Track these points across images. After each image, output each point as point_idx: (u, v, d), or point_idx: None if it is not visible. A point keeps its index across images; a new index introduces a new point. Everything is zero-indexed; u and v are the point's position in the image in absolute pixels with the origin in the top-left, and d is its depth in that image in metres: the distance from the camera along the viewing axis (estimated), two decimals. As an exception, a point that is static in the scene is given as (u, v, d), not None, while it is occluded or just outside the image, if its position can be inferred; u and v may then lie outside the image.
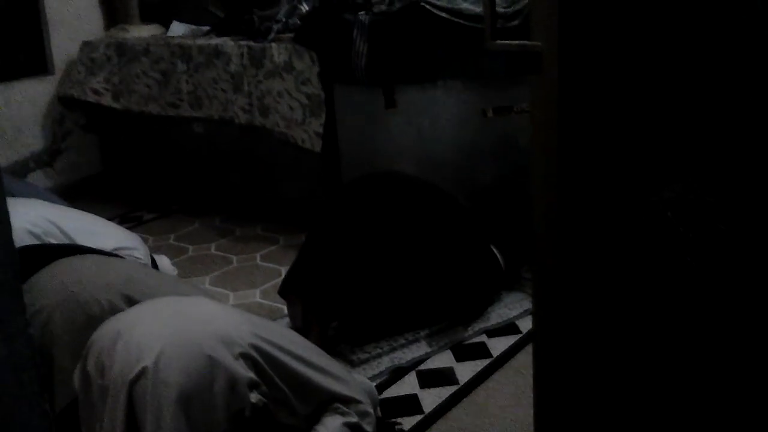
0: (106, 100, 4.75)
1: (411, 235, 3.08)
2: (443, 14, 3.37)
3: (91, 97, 4.80)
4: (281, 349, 2.07)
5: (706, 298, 1.54)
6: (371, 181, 3.34)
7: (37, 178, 4.96)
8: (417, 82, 3.71)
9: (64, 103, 5.03)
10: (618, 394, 1.72)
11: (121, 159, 5.29)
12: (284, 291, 3.13)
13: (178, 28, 4.70)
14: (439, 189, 3.32)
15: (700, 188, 1.50)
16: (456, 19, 3.34)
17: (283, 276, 3.32)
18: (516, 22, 3.16)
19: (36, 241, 2.73)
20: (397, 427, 2.55)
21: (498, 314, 3.23)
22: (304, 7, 4.08)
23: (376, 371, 2.86)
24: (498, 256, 3.34)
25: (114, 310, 2.18)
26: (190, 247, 4.20)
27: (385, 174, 3.48)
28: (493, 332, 3.10)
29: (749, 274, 1.49)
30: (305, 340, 2.30)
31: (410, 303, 3.12)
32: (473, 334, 3.09)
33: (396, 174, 3.47)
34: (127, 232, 3.31)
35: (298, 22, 3.97)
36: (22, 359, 0.67)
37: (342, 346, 3.01)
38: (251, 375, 1.97)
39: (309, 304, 3.01)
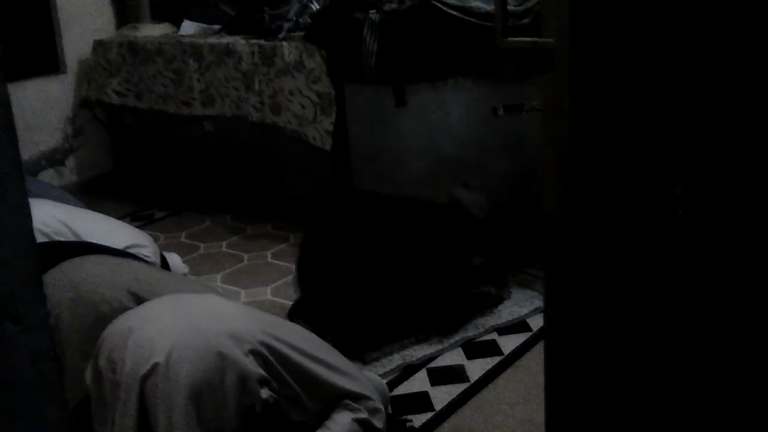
0: (131, 101, 4.78)
1: (400, 256, 3.09)
2: (454, 12, 3.37)
3: (116, 100, 4.84)
4: (291, 346, 2.08)
5: (718, 295, 1.54)
6: (355, 204, 3.34)
7: (48, 176, 4.98)
8: (427, 80, 3.71)
9: (84, 105, 5.07)
10: (629, 392, 1.72)
11: (132, 157, 5.31)
12: (291, 316, 3.17)
13: (189, 27, 4.72)
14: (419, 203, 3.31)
15: (711, 185, 1.50)
16: (467, 17, 3.34)
17: (293, 273, 3.33)
18: (526, 20, 3.15)
19: (45, 240, 2.75)
20: (408, 424, 2.55)
21: (509, 312, 3.23)
22: (315, 6, 4.09)
23: (387, 369, 2.87)
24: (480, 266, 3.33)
25: (123, 309, 2.19)
26: (201, 245, 4.22)
27: (366, 195, 3.46)
28: (503, 330, 3.11)
29: (761, 271, 1.49)
30: (315, 336, 2.31)
31: (407, 317, 3.12)
32: (484, 332, 3.09)
33: (376, 194, 3.47)
34: (137, 230, 3.33)
35: (309, 20, 3.98)
36: (41, 350, 0.68)
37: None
38: (261, 371, 1.98)
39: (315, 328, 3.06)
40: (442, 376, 2.83)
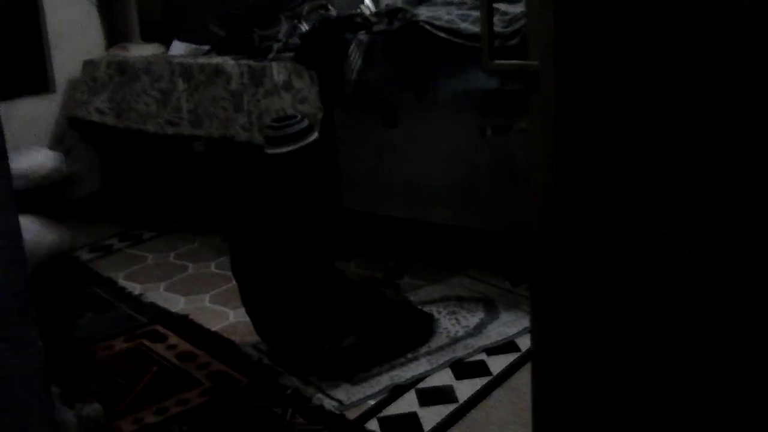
0: (111, 120, 4.77)
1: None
2: (442, 34, 3.39)
3: (96, 117, 4.83)
4: None
5: (704, 315, 1.55)
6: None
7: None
8: (415, 102, 3.73)
9: (71, 124, 5.06)
10: (617, 411, 1.72)
11: (121, 177, 5.31)
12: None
13: (179, 47, 4.73)
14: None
15: (696, 205, 1.52)
16: (455, 39, 3.36)
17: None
18: (515, 41, 3.17)
19: None
20: (396, 445, 2.55)
21: (498, 332, 3.23)
22: (304, 27, 4.11)
23: (376, 389, 2.87)
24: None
25: None
26: (190, 265, 4.21)
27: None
28: (492, 350, 3.11)
29: (747, 291, 1.50)
30: None
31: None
32: (473, 352, 3.09)
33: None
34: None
35: (298, 41, 4.00)
36: (32, 370, 0.68)
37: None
38: None
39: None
40: (430, 397, 2.82)
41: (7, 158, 0.73)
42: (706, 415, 1.60)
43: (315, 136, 3.09)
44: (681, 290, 1.56)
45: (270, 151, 3.02)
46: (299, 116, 3.12)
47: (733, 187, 1.49)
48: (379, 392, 2.85)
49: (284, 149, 2.99)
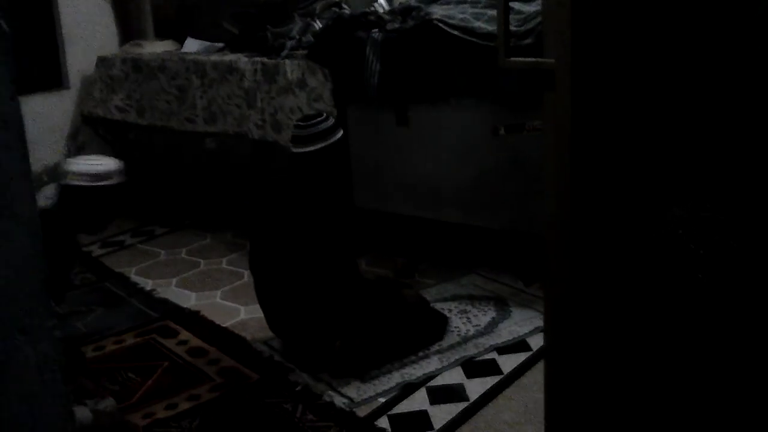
0: (132, 117, 4.79)
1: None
2: (456, 32, 3.39)
3: (117, 115, 4.85)
4: None
5: (718, 315, 1.54)
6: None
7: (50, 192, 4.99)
8: (429, 100, 3.72)
9: (85, 120, 5.08)
10: (629, 411, 1.72)
11: (134, 173, 5.32)
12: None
13: (192, 45, 4.74)
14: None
15: (711, 205, 1.51)
16: (469, 38, 3.36)
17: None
18: (529, 41, 3.17)
19: None
20: (406, 442, 2.55)
21: (509, 331, 3.23)
22: (318, 25, 4.11)
23: (387, 387, 2.87)
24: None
25: None
26: (202, 262, 4.22)
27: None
28: (503, 349, 3.10)
29: (761, 291, 1.49)
30: None
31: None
32: (484, 351, 3.09)
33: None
34: None
35: (312, 39, 4.00)
36: (46, 360, 0.69)
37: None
38: None
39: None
40: (441, 395, 2.82)
41: (27, 150, 0.73)
42: (718, 411, 1.59)
43: (341, 133, 3.10)
44: (695, 290, 1.56)
45: (297, 150, 3.04)
46: (324, 114, 3.14)
47: (749, 188, 1.48)
48: (390, 390, 2.85)
49: (311, 147, 3.00)
